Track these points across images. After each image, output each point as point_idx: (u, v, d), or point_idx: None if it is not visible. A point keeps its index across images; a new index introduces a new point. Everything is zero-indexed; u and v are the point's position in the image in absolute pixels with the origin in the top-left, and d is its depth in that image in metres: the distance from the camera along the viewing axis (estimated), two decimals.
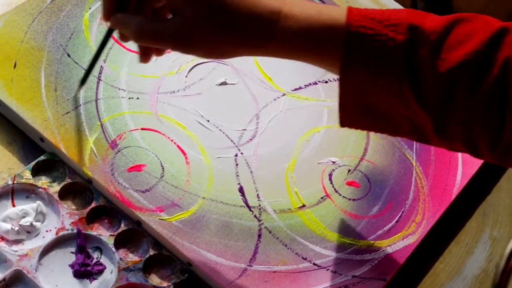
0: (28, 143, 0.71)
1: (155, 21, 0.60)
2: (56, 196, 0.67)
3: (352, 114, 0.59)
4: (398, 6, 1.00)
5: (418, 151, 0.80)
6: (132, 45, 0.79)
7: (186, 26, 0.56)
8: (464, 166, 0.80)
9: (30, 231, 0.65)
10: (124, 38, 0.64)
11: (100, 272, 0.64)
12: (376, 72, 0.56)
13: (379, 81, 0.56)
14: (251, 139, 0.76)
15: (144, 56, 0.64)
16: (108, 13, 0.62)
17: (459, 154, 0.81)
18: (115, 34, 0.66)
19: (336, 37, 0.55)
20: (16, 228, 0.64)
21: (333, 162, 0.77)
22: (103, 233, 0.66)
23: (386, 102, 0.57)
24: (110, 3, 0.61)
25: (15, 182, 0.67)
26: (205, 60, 0.81)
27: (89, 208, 0.67)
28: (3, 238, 0.64)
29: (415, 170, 0.79)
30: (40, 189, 0.67)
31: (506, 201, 0.83)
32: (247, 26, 0.56)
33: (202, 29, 0.56)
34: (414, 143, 0.81)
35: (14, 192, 0.67)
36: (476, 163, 0.81)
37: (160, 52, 0.65)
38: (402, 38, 0.55)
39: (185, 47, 0.58)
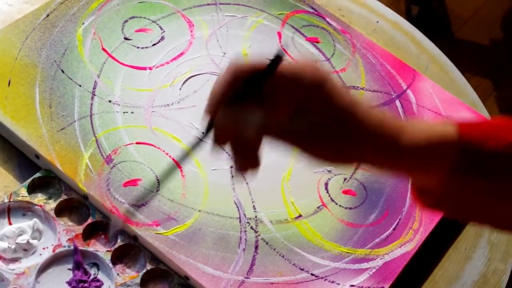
0: (23, 161, 0.71)
1: (280, 117, 0.53)
2: (52, 213, 0.67)
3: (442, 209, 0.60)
4: (391, 12, 1.00)
5: None
6: (126, 59, 0.79)
7: (314, 128, 0.53)
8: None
9: (27, 249, 0.65)
10: (222, 140, 0.55)
11: None
12: (489, 173, 0.57)
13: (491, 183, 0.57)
14: None
15: (244, 164, 0.56)
16: (216, 106, 0.53)
17: None
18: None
19: (452, 147, 0.56)
20: (13, 246, 0.64)
21: (329, 171, 0.77)
22: (100, 249, 0.66)
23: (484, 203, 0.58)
24: (222, 95, 0.53)
25: (11, 200, 0.67)
26: (200, 72, 0.81)
27: (86, 224, 0.67)
28: (0, 257, 0.64)
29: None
30: (36, 206, 0.67)
31: None
32: (374, 133, 0.54)
33: (330, 133, 0.53)
34: None
35: (10, 210, 0.67)
36: None
37: (256, 165, 0.56)
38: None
39: (308, 145, 0.54)
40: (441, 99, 0.87)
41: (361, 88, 0.86)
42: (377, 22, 0.97)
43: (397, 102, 0.85)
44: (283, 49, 0.53)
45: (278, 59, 0.51)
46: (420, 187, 0.59)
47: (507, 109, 1.91)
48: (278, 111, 0.54)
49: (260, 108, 0.53)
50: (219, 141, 0.55)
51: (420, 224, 0.75)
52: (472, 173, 0.57)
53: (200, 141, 0.57)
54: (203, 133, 0.56)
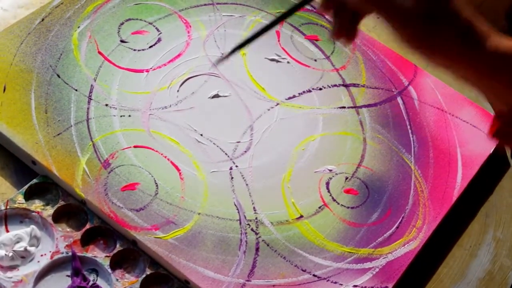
0: (20, 167, 0.71)
1: None
2: (50, 219, 0.67)
3: None
4: None
5: (416, 155, 0.80)
6: (123, 62, 0.79)
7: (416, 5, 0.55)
8: (464, 168, 0.79)
9: (24, 256, 0.64)
10: (325, 6, 0.60)
11: None
12: None
13: None
14: (245, 151, 0.75)
15: (339, 32, 0.61)
16: None
17: (459, 156, 0.80)
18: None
19: None
20: (10, 254, 0.64)
21: (330, 170, 0.76)
22: (99, 255, 0.66)
23: None
24: None
25: (8, 207, 0.66)
26: (198, 73, 0.80)
27: (84, 229, 0.67)
28: None
29: (414, 174, 0.78)
30: (34, 213, 0.67)
31: (509, 201, 0.82)
32: (464, 26, 0.56)
33: (428, 15, 0.55)
34: (412, 147, 0.80)
35: (7, 218, 0.66)
36: (476, 164, 0.80)
37: (351, 37, 0.62)
38: None
39: (406, 27, 0.56)
40: (444, 94, 0.86)
41: (362, 85, 0.85)
42: (378, 18, 0.96)
43: (399, 99, 0.85)
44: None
45: None
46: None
47: None
48: None
49: None
50: (324, 7, 0.60)
51: (424, 222, 0.74)
52: None
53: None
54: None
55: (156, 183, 0.70)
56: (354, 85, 0.84)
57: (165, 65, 0.80)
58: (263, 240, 0.69)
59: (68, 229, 0.67)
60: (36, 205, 0.67)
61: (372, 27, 0.95)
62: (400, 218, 0.74)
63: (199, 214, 0.69)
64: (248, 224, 0.70)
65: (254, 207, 0.71)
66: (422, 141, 0.81)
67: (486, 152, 0.82)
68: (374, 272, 0.69)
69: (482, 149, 0.82)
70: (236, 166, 0.74)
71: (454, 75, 0.60)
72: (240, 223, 0.70)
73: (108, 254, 0.65)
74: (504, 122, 0.60)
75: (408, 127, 0.82)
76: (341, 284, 0.68)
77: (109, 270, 0.65)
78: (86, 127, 0.72)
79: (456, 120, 0.84)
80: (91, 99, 0.75)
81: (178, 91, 0.78)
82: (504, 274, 0.76)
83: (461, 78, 0.60)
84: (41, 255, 0.65)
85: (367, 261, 0.70)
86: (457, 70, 0.60)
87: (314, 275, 0.68)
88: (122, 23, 0.82)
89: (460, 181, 0.78)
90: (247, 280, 0.66)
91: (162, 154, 0.72)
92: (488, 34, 0.58)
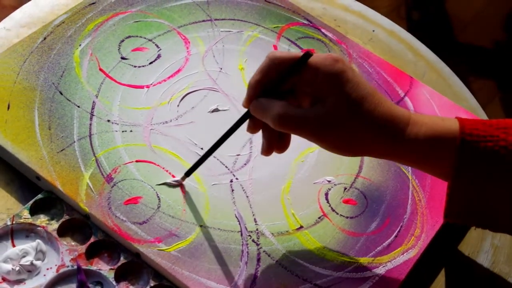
0: (25, 183, 0.72)
1: (298, 107, 0.63)
2: (55, 233, 0.68)
3: (457, 216, 0.65)
4: (387, 20, 1.00)
5: None
6: (124, 78, 0.80)
7: (326, 115, 0.61)
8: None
9: (31, 270, 0.65)
10: (253, 129, 0.67)
11: None
12: (489, 174, 0.61)
13: (492, 184, 0.61)
14: (245, 164, 0.77)
15: (268, 150, 0.68)
16: (250, 98, 0.65)
17: None
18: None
19: (453, 141, 0.62)
20: (17, 268, 0.65)
21: (329, 181, 0.77)
22: (103, 268, 0.67)
23: (498, 202, 0.62)
24: (254, 89, 0.64)
25: (14, 222, 0.68)
26: (197, 88, 0.82)
27: (88, 243, 0.68)
28: (4, 279, 0.65)
29: (412, 183, 0.79)
30: (39, 228, 0.68)
31: None
32: (382, 125, 0.61)
33: (341, 121, 0.61)
34: None
35: (13, 232, 0.68)
36: None
37: (282, 149, 0.68)
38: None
39: (321, 137, 0.62)
40: (439, 105, 0.87)
41: None
42: (373, 31, 0.98)
43: None
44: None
45: (306, 55, 0.62)
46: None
47: (511, 111, 1.91)
48: (301, 100, 0.65)
49: (280, 101, 0.63)
50: (251, 130, 0.67)
51: (422, 231, 0.75)
52: (473, 172, 0.59)
53: (240, 123, 0.68)
54: (237, 123, 0.67)
55: (158, 196, 0.72)
56: None
57: (165, 80, 0.82)
58: (264, 251, 0.70)
59: (73, 243, 0.68)
60: (41, 220, 0.69)
61: (368, 40, 0.96)
62: (399, 227, 0.75)
63: (201, 226, 0.70)
64: (249, 235, 0.71)
65: (254, 219, 0.72)
66: None
67: None
68: (374, 281, 0.70)
69: None
70: (237, 179, 0.75)
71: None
72: (241, 235, 0.71)
73: (112, 267, 0.67)
74: (448, 205, 0.64)
75: None
76: None
77: (114, 283, 0.66)
78: (89, 143, 0.74)
79: None
80: (93, 115, 0.76)
81: (178, 106, 0.80)
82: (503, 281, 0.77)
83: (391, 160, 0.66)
84: (47, 269, 0.66)
85: (367, 270, 0.71)
86: (385, 158, 0.65)
87: (315, 285, 0.69)
88: (122, 41, 0.84)
89: None
90: None
91: (163, 168, 0.74)
92: (404, 124, 0.61)
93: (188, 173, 0.72)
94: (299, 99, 0.65)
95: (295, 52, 0.64)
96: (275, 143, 0.67)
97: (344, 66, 0.61)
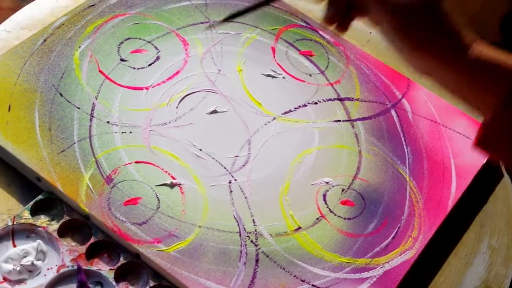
0: (26, 184, 0.72)
1: None
2: (55, 234, 0.68)
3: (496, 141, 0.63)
4: None
5: (411, 166, 0.81)
6: (123, 80, 0.81)
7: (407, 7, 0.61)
8: (458, 178, 0.81)
9: (31, 270, 0.66)
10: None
11: None
12: None
13: None
14: (244, 165, 0.77)
15: (332, 19, 0.67)
16: None
17: (453, 166, 0.82)
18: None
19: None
20: (18, 268, 0.65)
21: (327, 183, 0.78)
22: (103, 268, 0.67)
23: None
24: None
25: (15, 222, 0.68)
26: (196, 90, 0.82)
27: (88, 243, 0.68)
28: (5, 279, 0.65)
29: (409, 185, 0.80)
30: (40, 228, 0.69)
31: (503, 210, 0.84)
32: (453, 32, 0.61)
33: (416, 22, 0.61)
34: (407, 158, 0.82)
35: (14, 233, 0.68)
36: (470, 175, 0.82)
37: (344, 29, 0.68)
38: None
39: (406, 26, 0.61)
40: (437, 106, 0.88)
41: (356, 99, 0.87)
42: (370, 32, 0.99)
43: (393, 112, 0.87)
44: None
45: None
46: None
47: None
48: None
49: None
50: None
51: (419, 232, 0.76)
52: None
53: None
54: None
55: (157, 197, 0.72)
56: (349, 99, 0.87)
57: (164, 82, 0.82)
58: (262, 252, 0.71)
59: (73, 243, 0.69)
60: (42, 220, 0.69)
61: (365, 42, 0.97)
62: (396, 228, 0.76)
63: (200, 227, 0.71)
64: (248, 236, 0.72)
65: (253, 220, 0.73)
66: (416, 153, 0.83)
67: (480, 162, 0.83)
68: (372, 282, 0.71)
69: (476, 159, 0.83)
70: (235, 180, 0.76)
71: (436, 82, 0.64)
72: (240, 235, 0.71)
73: (112, 267, 0.67)
74: (485, 130, 0.62)
75: (403, 139, 0.84)
76: None
77: (114, 283, 0.66)
78: (88, 144, 0.74)
79: (450, 131, 0.86)
80: (93, 116, 0.77)
81: (177, 107, 0.80)
82: (500, 282, 0.78)
83: (442, 85, 0.63)
84: (48, 269, 0.66)
85: (364, 271, 0.72)
86: (439, 75, 0.63)
87: (313, 285, 0.70)
88: (122, 42, 0.84)
89: (454, 191, 0.80)
90: None
91: (163, 169, 0.74)
92: (471, 42, 0.61)
93: (227, 19, 0.71)
94: None
95: None
96: (338, 15, 0.66)
97: None
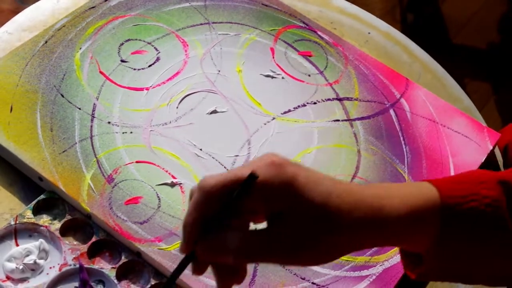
0: (28, 183, 0.73)
1: (254, 232, 0.52)
2: (57, 233, 0.69)
3: (430, 276, 0.58)
4: (382, 22, 1.02)
5: (409, 165, 0.82)
6: (123, 81, 0.81)
7: (295, 232, 0.50)
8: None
9: (34, 269, 0.67)
10: (199, 271, 0.54)
11: None
12: (474, 235, 0.54)
13: (477, 243, 0.54)
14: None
15: (227, 285, 0.55)
16: (190, 241, 0.52)
17: (451, 165, 0.83)
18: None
19: (434, 207, 0.54)
20: (21, 267, 0.66)
21: None
22: (105, 266, 0.68)
23: (479, 259, 0.56)
24: (193, 230, 0.51)
25: (17, 222, 0.69)
26: (196, 90, 0.83)
27: (90, 242, 0.69)
28: (8, 277, 0.66)
29: None
30: (42, 227, 0.69)
31: None
32: (357, 217, 0.51)
33: (312, 233, 0.51)
34: (405, 157, 0.83)
35: (17, 232, 0.69)
36: None
37: (241, 280, 0.55)
38: (494, 193, 0.54)
39: (294, 257, 0.51)
40: (435, 106, 0.89)
41: (355, 98, 0.87)
42: (369, 33, 0.99)
43: (391, 111, 0.87)
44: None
45: (252, 178, 0.49)
46: (409, 259, 0.57)
47: (506, 112, 1.93)
48: (249, 219, 0.54)
49: (236, 232, 0.51)
50: (198, 272, 0.54)
51: None
52: (458, 237, 0.54)
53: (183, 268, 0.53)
54: (177, 270, 0.53)
55: (158, 196, 0.73)
56: (348, 98, 0.87)
57: (164, 83, 0.83)
58: None
59: (75, 242, 0.70)
60: (44, 219, 0.70)
61: (364, 42, 0.98)
62: None
63: None
64: None
65: None
66: (415, 152, 0.84)
67: (478, 161, 0.84)
68: (371, 279, 0.72)
69: (474, 158, 0.84)
70: None
71: None
72: None
73: (114, 266, 0.68)
74: (427, 268, 0.55)
75: (401, 138, 0.85)
76: None
77: (115, 281, 0.67)
78: (90, 144, 0.75)
79: (448, 130, 0.87)
80: (94, 117, 0.78)
81: (177, 107, 0.81)
82: None
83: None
84: (50, 268, 0.67)
85: (364, 269, 0.72)
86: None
87: (313, 283, 0.70)
88: (122, 44, 0.85)
89: None
90: None
91: (163, 169, 0.75)
92: (380, 205, 0.52)
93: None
94: (245, 219, 0.54)
95: (226, 173, 0.51)
96: (231, 277, 0.54)
97: (291, 167, 0.51)
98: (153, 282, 0.68)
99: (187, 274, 0.67)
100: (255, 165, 0.50)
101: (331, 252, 0.52)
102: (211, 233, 0.51)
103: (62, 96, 0.78)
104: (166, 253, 0.69)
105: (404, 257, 0.58)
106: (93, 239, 0.69)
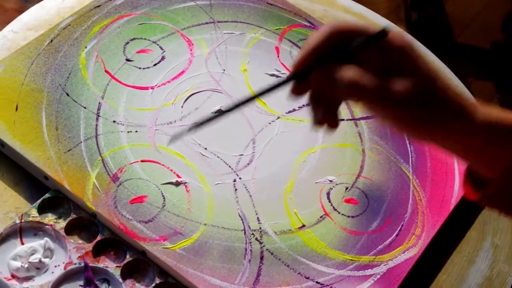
0: (33, 182, 0.73)
1: (373, 76, 0.54)
2: (62, 231, 0.69)
3: (496, 201, 0.61)
4: (387, 21, 1.02)
5: (414, 165, 0.82)
6: (128, 80, 0.81)
7: (407, 91, 0.54)
8: (461, 177, 0.82)
9: (39, 268, 0.67)
10: (298, 92, 0.56)
11: None
12: None
13: None
14: (248, 164, 0.78)
15: (322, 121, 0.57)
16: (303, 61, 0.54)
17: (455, 165, 0.83)
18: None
19: None
20: (26, 265, 0.66)
21: (330, 181, 0.79)
22: (110, 265, 0.68)
23: None
24: (310, 55, 0.54)
25: (22, 220, 0.69)
26: (201, 89, 0.83)
27: (95, 241, 0.69)
28: (14, 276, 0.66)
29: (412, 183, 0.80)
30: (47, 226, 0.69)
31: None
32: (455, 104, 0.56)
33: (420, 99, 0.55)
34: (410, 157, 0.83)
35: (22, 231, 0.69)
36: None
37: (335, 125, 0.58)
38: None
39: (398, 114, 0.55)
40: None
41: None
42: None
43: None
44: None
45: (384, 33, 0.53)
46: (475, 179, 0.60)
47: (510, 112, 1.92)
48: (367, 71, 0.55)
49: (353, 66, 0.53)
50: (297, 93, 0.56)
51: (423, 230, 0.76)
52: None
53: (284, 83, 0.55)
54: (288, 78, 0.55)
55: (163, 195, 0.73)
56: None
57: (169, 82, 0.83)
58: (267, 249, 0.72)
59: (80, 241, 0.70)
60: (49, 218, 0.70)
61: None
62: (400, 226, 0.76)
63: (205, 225, 0.72)
64: (253, 234, 0.72)
65: (258, 218, 0.74)
66: (419, 151, 0.84)
67: None
68: (375, 279, 0.72)
69: None
70: (240, 178, 0.76)
71: (440, 148, 0.59)
72: (245, 233, 0.72)
73: (118, 265, 0.68)
74: (496, 187, 0.59)
75: (406, 138, 0.85)
76: None
77: (120, 280, 0.67)
78: (95, 143, 0.75)
79: None
80: (99, 116, 0.78)
81: (182, 107, 0.81)
82: (503, 279, 0.78)
83: (448, 150, 0.59)
84: (55, 266, 0.67)
85: (368, 268, 0.72)
86: (444, 144, 0.59)
87: (317, 282, 0.70)
88: (127, 43, 0.85)
89: (457, 189, 0.80)
90: None
91: (168, 168, 0.75)
92: (474, 108, 0.57)
93: (198, 125, 0.57)
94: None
95: (357, 22, 0.55)
96: (329, 114, 0.57)
97: (411, 39, 0.55)
98: (157, 281, 0.68)
99: (191, 273, 0.67)
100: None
101: (426, 121, 0.55)
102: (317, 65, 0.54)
103: (68, 95, 0.79)
104: (171, 252, 0.69)
105: (468, 181, 0.61)
106: (98, 238, 0.69)
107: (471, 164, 0.62)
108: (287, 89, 0.56)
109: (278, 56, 0.89)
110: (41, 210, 0.70)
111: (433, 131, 0.57)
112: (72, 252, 0.68)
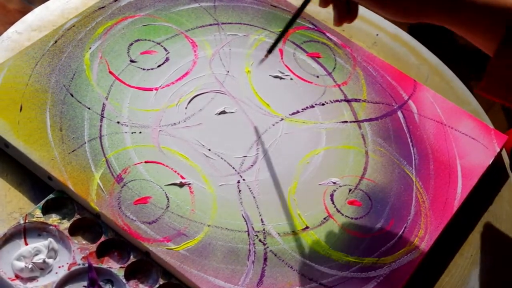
0: (37, 183, 0.73)
1: None
2: (66, 232, 0.69)
3: (498, 85, 0.66)
4: (390, 24, 1.02)
5: (417, 167, 0.82)
6: (133, 81, 0.82)
7: None
8: (463, 179, 0.82)
9: (43, 268, 0.67)
10: (324, 3, 0.74)
11: None
12: None
13: None
14: (252, 165, 0.78)
15: (339, 19, 0.75)
16: None
17: (458, 167, 0.83)
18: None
19: (506, 10, 0.63)
20: (30, 266, 0.66)
21: (334, 183, 0.79)
22: (114, 266, 0.68)
23: None
24: None
25: (26, 221, 0.69)
26: (205, 90, 0.83)
27: (99, 242, 0.69)
28: (17, 276, 0.66)
29: (415, 185, 0.80)
30: (51, 227, 0.69)
31: (509, 211, 0.84)
32: None
33: None
34: (413, 159, 0.83)
35: (26, 231, 0.69)
36: (475, 175, 0.82)
37: (352, 19, 0.76)
38: None
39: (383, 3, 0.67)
40: (443, 108, 0.89)
41: (363, 100, 0.88)
42: (377, 35, 0.99)
43: (399, 113, 0.87)
44: None
45: None
46: None
47: None
48: None
49: None
50: (324, 4, 0.74)
51: (426, 232, 0.76)
52: None
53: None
54: None
55: (167, 196, 0.73)
56: (356, 100, 0.87)
57: (173, 83, 0.83)
58: (270, 251, 0.72)
59: (84, 242, 0.70)
60: (53, 219, 0.70)
61: (371, 44, 0.98)
62: (403, 228, 0.76)
63: (209, 226, 0.72)
64: (256, 235, 0.72)
65: (261, 219, 0.74)
66: (422, 154, 0.84)
67: (485, 163, 0.84)
68: (379, 281, 0.72)
69: (481, 160, 0.84)
70: (243, 180, 0.76)
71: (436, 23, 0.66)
72: (249, 234, 0.72)
73: (122, 265, 0.68)
74: (489, 72, 0.65)
75: (409, 140, 0.85)
76: None
77: (124, 281, 0.67)
78: (99, 144, 0.75)
79: (455, 132, 0.87)
80: (103, 117, 0.78)
81: (186, 108, 0.81)
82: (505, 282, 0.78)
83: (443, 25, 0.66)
84: (59, 267, 0.67)
85: (371, 270, 0.72)
86: (436, 22, 0.66)
87: (320, 284, 0.70)
88: (132, 44, 0.85)
89: (460, 191, 0.81)
90: None
91: (172, 169, 0.75)
92: None
93: (271, 50, 0.78)
94: None
95: None
96: (345, 13, 0.74)
97: None
98: (161, 282, 0.68)
99: (195, 274, 0.68)
100: None
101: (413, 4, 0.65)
102: None
103: (72, 95, 0.79)
104: (175, 253, 0.69)
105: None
106: (102, 238, 0.69)
107: (469, 39, 0.68)
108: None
109: (281, 58, 0.89)
110: (45, 210, 0.70)
111: (420, 13, 0.65)
112: (76, 253, 0.68)
